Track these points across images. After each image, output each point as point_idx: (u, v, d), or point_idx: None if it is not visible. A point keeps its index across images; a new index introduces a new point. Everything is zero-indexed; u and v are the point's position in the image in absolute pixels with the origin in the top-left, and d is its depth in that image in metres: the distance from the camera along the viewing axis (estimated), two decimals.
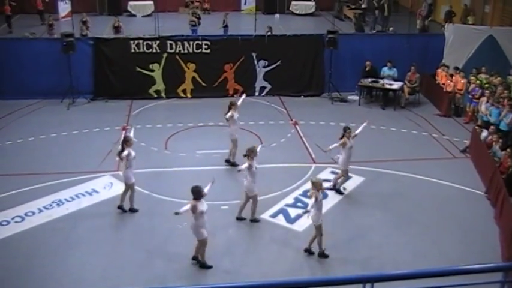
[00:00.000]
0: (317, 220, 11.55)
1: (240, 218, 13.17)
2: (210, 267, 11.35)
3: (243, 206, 13.12)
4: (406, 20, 26.39)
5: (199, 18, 28.15)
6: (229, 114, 15.17)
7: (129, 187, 13.36)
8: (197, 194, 10.91)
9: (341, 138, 14.00)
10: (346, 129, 14.04)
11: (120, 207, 13.44)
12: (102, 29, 28.01)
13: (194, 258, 11.51)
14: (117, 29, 26.14)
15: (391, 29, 27.88)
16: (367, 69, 21.49)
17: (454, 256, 11.75)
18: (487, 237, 12.57)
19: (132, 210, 13.48)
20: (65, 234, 12.54)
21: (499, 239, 12.41)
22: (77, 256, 11.74)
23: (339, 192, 14.48)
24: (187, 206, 10.89)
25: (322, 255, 11.81)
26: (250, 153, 12.69)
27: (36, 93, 20.58)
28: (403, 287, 5.47)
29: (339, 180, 14.54)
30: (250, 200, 12.98)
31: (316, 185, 11.53)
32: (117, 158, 13.39)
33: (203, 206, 10.95)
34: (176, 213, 10.96)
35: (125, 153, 12.95)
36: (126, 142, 13.15)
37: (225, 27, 27.37)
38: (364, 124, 14.82)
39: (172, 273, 11.25)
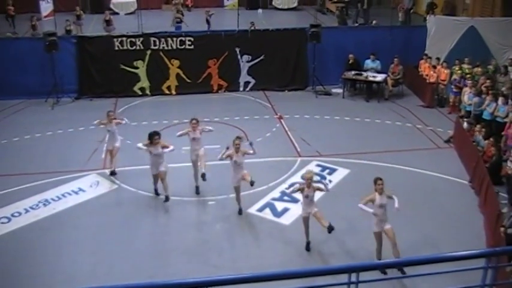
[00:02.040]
0: (303, 213, 11.67)
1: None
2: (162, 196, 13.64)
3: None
4: (389, 12, 26.51)
5: (182, 15, 28.07)
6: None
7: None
8: (149, 137, 13.34)
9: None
10: (376, 181, 11.13)
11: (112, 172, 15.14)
12: (87, 26, 27.82)
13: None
14: (108, 23, 26.06)
15: (374, 22, 27.97)
16: (350, 62, 21.59)
17: (440, 245, 11.86)
18: (472, 225, 12.74)
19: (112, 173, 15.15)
20: (52, 233, 12.54)
21: (483, 227, 12.58)
22: (65, 255, 11.74)
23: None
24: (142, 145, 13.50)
25: (307, 246, 11.92)
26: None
27: (20, 93, 20.48)
28: (390, 276, 5.60)
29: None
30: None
31: (305, 178, 11.64)
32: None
33: (156, 150, 13.36)
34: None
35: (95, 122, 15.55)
36: (107, 116, 15.04)
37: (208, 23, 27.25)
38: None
39: (160, 269, 11.28)
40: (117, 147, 15.08)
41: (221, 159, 12.92)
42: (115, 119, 15.27)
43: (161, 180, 13.54)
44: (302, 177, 12.13)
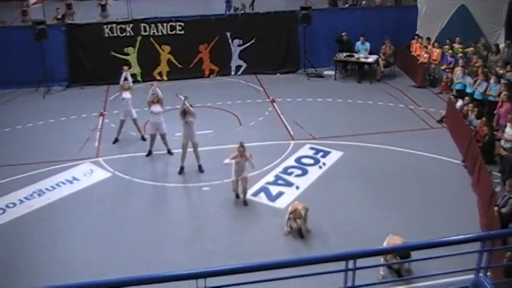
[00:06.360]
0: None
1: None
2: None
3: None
4: None
5: None
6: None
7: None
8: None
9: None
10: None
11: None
12: (76, 13, 27.62)
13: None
14: (103, 7, 25.94)
15: (363, 2, 27.95)
16: (344, 39, 21.44)
17: (434, 226, 11.87)
18: (465, 205, 12.80)
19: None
20: (47, 224, 12.51)
21: (477, 207, 12.66)
22: (60, 245, 11.73)
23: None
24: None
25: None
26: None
27: (10, 83, 20.23)
28: (385, 262, 5.63)
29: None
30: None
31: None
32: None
33: (156, 108, 15.15)
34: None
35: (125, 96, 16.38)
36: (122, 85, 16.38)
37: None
38: None
39: (156, 257, 11.29)
40: (134, 118, 16.17)
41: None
42: (129, 88, 16.41)
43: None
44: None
